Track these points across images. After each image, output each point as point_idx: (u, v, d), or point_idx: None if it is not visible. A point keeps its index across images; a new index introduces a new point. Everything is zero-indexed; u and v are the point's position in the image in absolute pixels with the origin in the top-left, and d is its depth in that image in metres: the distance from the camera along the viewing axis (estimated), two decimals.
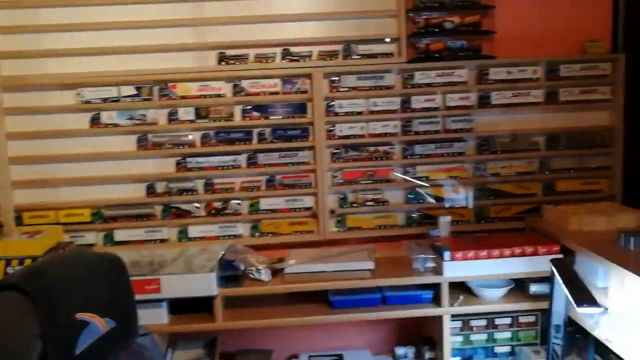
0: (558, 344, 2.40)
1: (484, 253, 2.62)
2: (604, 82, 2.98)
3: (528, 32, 2.95)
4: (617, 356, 2.58)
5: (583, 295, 1.89)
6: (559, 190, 3.05)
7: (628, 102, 2.99)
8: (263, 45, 2.92)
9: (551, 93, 2.98)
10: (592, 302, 1.87)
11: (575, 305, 1.87)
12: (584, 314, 2.45)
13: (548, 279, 2.67)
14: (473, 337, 2.88)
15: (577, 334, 2.66)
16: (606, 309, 1.88)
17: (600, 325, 2.29)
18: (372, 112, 2.95)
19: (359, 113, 2.95)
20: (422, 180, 2.99)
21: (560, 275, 2.05)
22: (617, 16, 3.00)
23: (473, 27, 2.93)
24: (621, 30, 3.00)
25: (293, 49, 2.92)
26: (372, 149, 2.98)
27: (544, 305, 2.68)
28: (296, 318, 2.63)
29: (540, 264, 2.61)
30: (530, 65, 2.95)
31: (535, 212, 3.01)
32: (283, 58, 2.92)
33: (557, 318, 2.37)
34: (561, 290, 2.31)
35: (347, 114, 2.94)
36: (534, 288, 2.71)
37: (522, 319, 2.88)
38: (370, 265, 2.64)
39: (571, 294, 1.91)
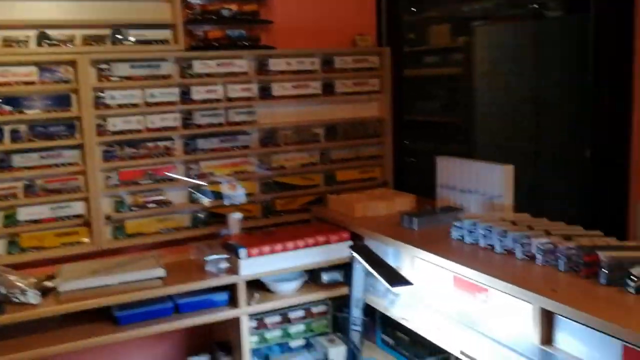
0: (357, 331, 2.44)
1: (280, 247, 2.55)
2: (373, 74, 3.14)
3: (304, 24, 2.97)
4: (404, 333, 2.74)
5: (393, 275, 1.92)
6: (339, 180, 3.13)
7: (395, 93, 3.19)
8: (12, 26, 2.46)
9: (327, 85, 3.04)
10: (404, 281, 1.91)
11: (389, 286, 1.89)
12: (378, 297, 2.54)
13: (339, 267, 2.72)
14: (268, 335, 2.80)
15: (365, 317, 2.76)
16: (411, 283, 1.94)
17: (395, 305, 2.38)
18: (148, 104, 2.69)
19: (134, 105, 2.66)
20: (207, 177, 2.81)
21: (364, 259, 2.07)
22: (381, 12, 3.18)
23: (251, 16, 2.84)
24: (384, 25, 3.19)
25: (51, 32, 2.52)
26: (151, 144, 2.72)
27: (336, 292, 2.72)
28: (76, 342, 2.27)
29: (332, 252, 2.64)
30: (308, 56, 2.97)
31: (319, 202, 3.04)
32: (39, 43, 2.50)
33: (356, 308, 2.40)
34: (359, 276, 2.35)
35: (120, 106, 2.64)
36: (325, 277, 2.73)
37: (314, 309, 2.89)
38: (161, 272, 2.40)
39: (381, 275, 1.93)
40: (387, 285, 1.89)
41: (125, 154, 2.67)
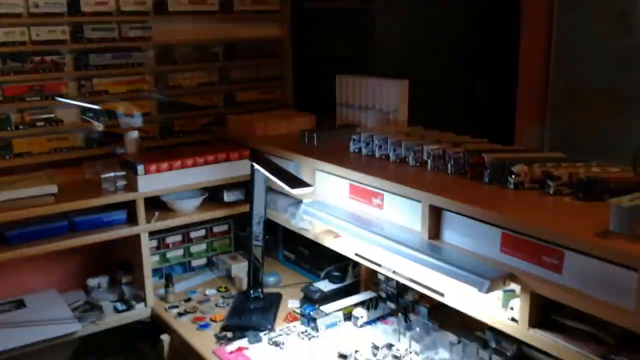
0: (259, 247, 2.48)
1: (178, 163, 2.52)
2: None
3: None
4: (304, 247, 2.82)
5: (293, 180, 1.95)
6: (239, 101, 3.11)
7: (294, 13, 3.17)
8: None
9: (226, 2, 2.96)
10: (303, 184, 1.95)
11: (289, 189, 1.93)
12: (279, 212, 2.59)
13: (240, 186, 2.73)
14: (169, 254, 2.80)
15: (267, 235, 2.82)
16: (311, 185, 1.99)
17: (296, 217, 2.43)
18: (33, 15, 2.51)
19: (17, 15, 2.48)
20: (101, 95, 2.70)
21: (266, 169, 2.09)
22: None
23: None
24: None
25: None
26: (37, 58, 2.56)
27: (237, 210, 2.74)
28: None
29: (233, 169, 2.65)
30: None
31: (219, 124, 3.01)
32: None
33: (257, 224, 2.44)
34: (259, 189, 2.38)
35: (1, 16, 2.45)
36: (227, 195, 2.73)
37: (216, 229, 2.91)
38: (53, 189, 2.30)
39: (281, 180, 1.97)
40: (287, 188, 1.92)
41: (9, 68, 2.50)
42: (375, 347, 2.10)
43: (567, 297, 1.51)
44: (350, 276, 2.58)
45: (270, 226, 2.76)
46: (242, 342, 2.22)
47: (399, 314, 2.30)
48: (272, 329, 2.32)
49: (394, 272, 2.02)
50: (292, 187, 1.90)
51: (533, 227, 1.57)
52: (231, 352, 2.16)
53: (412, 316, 2.29)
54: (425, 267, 1.80)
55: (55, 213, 2.32)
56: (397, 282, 2.38)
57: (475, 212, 1.71)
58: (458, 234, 1.81)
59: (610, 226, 1.48)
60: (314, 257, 2.76)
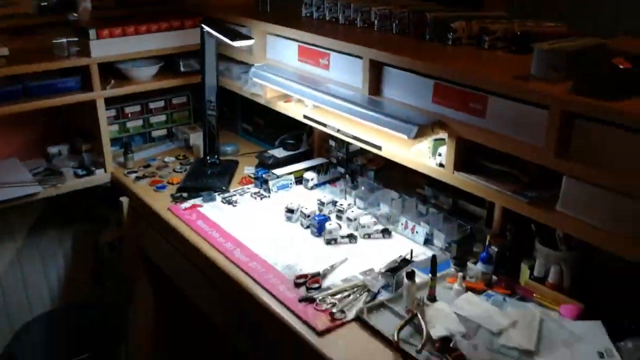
0: (213, 115, 2.54)
1: (132, 29, 2.52)
2: None
3: None
4: (261, 119, 2.89)
5: (235, 34, 1.98)
6: None
7: None
8: None
9: None
10: (245, 37, 1.98)
11: (230, 41, 1.96)
12: (233, 80, 2.63)
13: (197, 55, 2.74)
14: (129, 125, 2.85)
15: (225, 108, 2.87)
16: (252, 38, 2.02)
17: (248, 83, 2.48)
18: None
19: None
20: None
21: (212, 28, 2.11)
22: None
23: None
24: None
25: None
26: None
27: (194, 80, 2.77)
28: None
29: (188, 37, 2.65)
30: None
31: None
32: None
33: (210, 92, 2.48)
34: (210, 54, 2.40)
35: None
36: (183, 65, 2.75)
37: (175, 101, 2.95)
38: (4, 51, 2.30)
39: (223, 34, 1.99)
40: (228, 41, 1.95)
41: None
42: (321, 203, 2.22)
43: (489, 139, 1.61)
44: (305, 144, 2.66)
45: (229, 99, 2.81)
46: (197, 201, 2.33)
47: (347, 176, 2.41)
48: (226, 190, 2.42)
49: (338, 130, 2.10)
50: (233, 39, 1.93)
51: (461, 75, 1.64)
52: (185, 209, 2.27)
53: (360, 179, 2.39)
54: (363, 120, 1.87)
55: (9, 77, 2.33)
56: (347, 148, 2.48)
57: (410, 63, 1.77)
58: (396, 88, 1.88)
59: (531, 70, 1.54)
60: (270, 128, 2.83)
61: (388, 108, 1.83)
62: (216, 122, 2.56)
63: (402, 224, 2.10)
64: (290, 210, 2.18)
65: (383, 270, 1.77)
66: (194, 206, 2.29)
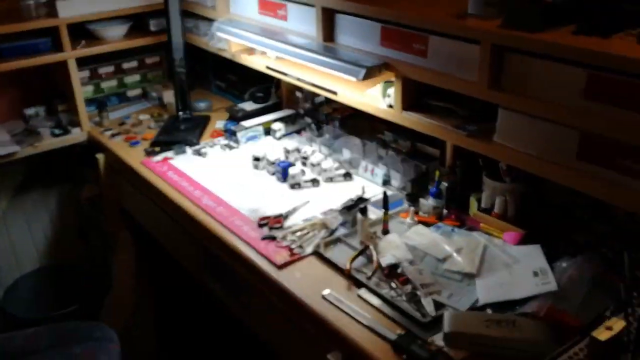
0: (182, 72, 2.61)
1: None
2: None
3: None
4: (234, 74, 2.96)
5: None
6: None
7: None
8: None
9: None
10: None
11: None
12: (200, 36, 2.69)
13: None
14: (103, 85, 2.92)
15: (197, 65, 2.94)
16: None
17: (214, 38, 2.54)
18: None
19: None
20: None
21: None
22: None
23: None
24: None
25: None
26: None
27: (165, 39, 2.82)
28: None
29: None
30: None
31: None
32: None
33: (177, 49, 2.55)
34: (175, 14, 2.46)
35: None
36: (153, 24, 2.81)
37: (148, 60, 3.02)
38: None
39: None
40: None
41: None
42: (287, 151, 2.31)
43: (431, 78, 1.69)
44: (273, 97, 2.74)
45: (201, 57, 2.88)
46: (168, 154, 2.42)
47: (312, 125, 2.49)
48: (197, 143, 2.51)
49: (298, 79, 2.17)
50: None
51: (404, 17, 1.71)
52: (157, 162, 2.37)
53: (325, 127, 2.47)
54: (317, 66, 1.95)
55: None
56: (313, 98, 2.56)
57: (358, 9, 1.84)
58: (347, 34, 1.95)
59: (468, 8, 1.62)
60: (242, 83, 2.90)
61: (340, 54, 1.91)
62: (186, 78, 2.63)
63: (362, 168, 2.19)
64: (256, 159, 2.27)
65: (340, 209, 1.87)
66: (165, 159, 2.38)
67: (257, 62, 2.39)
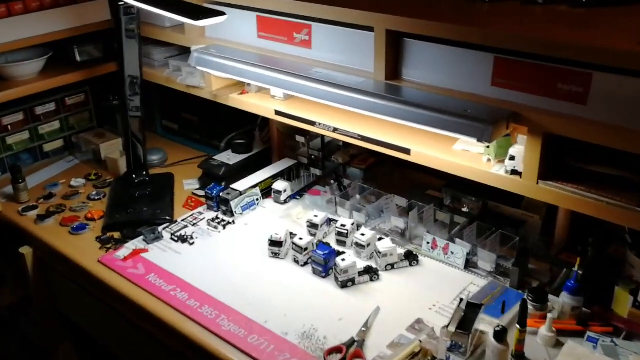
0: (136, 117, 1.86)
1: (3, 10, 1.77)
2: None
3: None
4: (192, 114, 2.24)
5: (194, 8, 1.33)
6: None
7: None
8: None
9: None
10: (213, 12, 1.34)
11: (192, 21, 1.31)
12: (155, 68, 1.96)
13: (97, 38, 2.04)
14: (11, 140, 2.11)
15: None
16: (223, 13, 1.39)
17: (184, 72, 1.83)
18: None
19: None
20: None
21: (140, 1, 1.44)
22: None
23: None
24: None
25: None
26: None
27: (95, 73, 2.07)
28: None
29: (85, 15, 1.94)
30: None
31: None
32: None
33: (132, 85, 1.80)
34: (131, 44, 1.72)
35: None
36: (80, 53, 2.03)
37: (69, 100, 2.23)
38: None
39: (175, 12, 1.34)
40: (189, 21, 1.31)
41: None
42: (312, 225, 1.66)
43: (594, 133, 1.13)
44: (259, 143, 2.07)
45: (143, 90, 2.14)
46: (137, 243, 1.69)
47: (331, 180, 1.86)
48: (172, 221, 1.79)
49: (334, 130, 1.53)
50: (196, 17, 1.29)
51: (551, 45, 1.13)
52: (125, 259, 1.63)
53: (346, 183, 1.86)
54: (388, 117, 1.33)
55: None
56: (322, 143, 1.93)
57: (454, 32, 1.24)
58: (426, 68, 1.35)
59: None
60: (205, 124, 2.20)
61: (423, 97, 1.30)
62: (140, 126, 1.89)
63: (427, 243, 1.60)
64: (275, 243, 1.60)
65: (452, 328, 1.26)
66: (135, 252, 1.65)
67: (257, 106, 1.72)
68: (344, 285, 1.49)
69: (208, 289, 1.50)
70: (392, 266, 1.55)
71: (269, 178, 1.90)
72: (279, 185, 1.86)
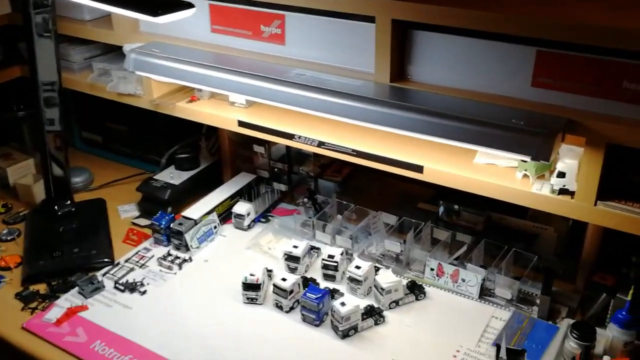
0: (55, 133, 1.48)
1: None
2: None
3: None
4: (123, 124, 1.87)
5: (154, 3, 0.98)
6: None
7: None
8: None
9: None
10: (179, 4, 1.00)
11: (152, 18, 0.96)
12: (75, 72, 1.58)
13: None
14: None
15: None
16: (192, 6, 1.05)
17: (115, 77, 1.47)
18: None
19: None
20: None
21: None
22: None
23: None
24: None
25: None
26: None
27: None
28: None
29: None
30: None
31: None
32: None
33: (50, 101, 1.42)
34: (46, 44, 1.34)
35: None
36: None
37: None
38: None
39: (126, 6, 0.99)
40: (148, 18, 0.96)
41: None
42: (292, 258, 1.37)
43: None
44: (207, 156, 1.74)
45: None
46: (73, 298, 1.33)
47: (304, 198, 1.57)
48: (113, 263, 1.44)
49: (320, 144, 1.24)
50: (154, 12, 0.95)
51: (601, 31, 0.89)
52: (59, 322, 1.27)
53: (319, 197, 1.57)
54: (400, 130, 1.05)
55: None
56: (288, 152, 1.63)
57: (476, 20, 0.98)
58: (442, 67, 1.08)
59: None
60: (137, 135, 1.84)
61: (450, 105, 1.04)
62: (62, 144, 1.52)
63: (431, 269, 1.35)
64: (251, 287, 1.30)
65: None
66: (71, 312, 1.29)
67: (212, 115, 1.39)
68: (345, 335, 1.21)
69: (173, 354, 1.18)
70: (396, 303, 1.29)
71: (226, 199, 1.58)
72: (241, 207, 1.55)
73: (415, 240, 1.41)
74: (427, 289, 1.33)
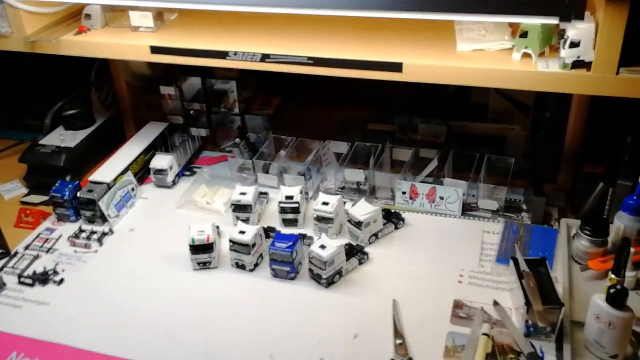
0: None
1: None
2: None
3: None
4: None
5: None
6: None
7: None
8: None
9: None
10: None
11: None
12: None
13: None
14: None
15: None
16: None
17: None
18: None
19: None
20: None
21: None
22: None
23: None
24: None
25: None
26: None
27: None
28: None
29: None
30: None
31: None
32: None
33: None
34: None
35: None
36: None
37: None
38: None
39: None
40: None
41: None
42: (243, 208, 1.13)
43: None
44: (101, 110, 1.43)
45: None
46: None
47: (236, 139, 1.32)
48: (9, 254, 1.12)
49: (264, 58, 0.99)
50: None
51: None
52: None
53: (251, 136, 1.33)
54: (378, 12, 0.84)
55: None
56: (204, 88, 1.36)
57: None
58: None
59: None
60: (3, 94, 1.48)
61: None
62: None
63: (403, 193, 1.18)
64: (202, 248, 1.04)
65: (540, 306, 0.86)
66: None
67: (111, 46, 1.09)
68: (330, 282, 1.01)
69: (118, 349, 0.91)
70: (375, 236, 1.10)
71: (139, 155, 1.29)
72: (161, 161, 1.27)
73: (376, 166, 1.22)
74: (403, 215, 1.15)
